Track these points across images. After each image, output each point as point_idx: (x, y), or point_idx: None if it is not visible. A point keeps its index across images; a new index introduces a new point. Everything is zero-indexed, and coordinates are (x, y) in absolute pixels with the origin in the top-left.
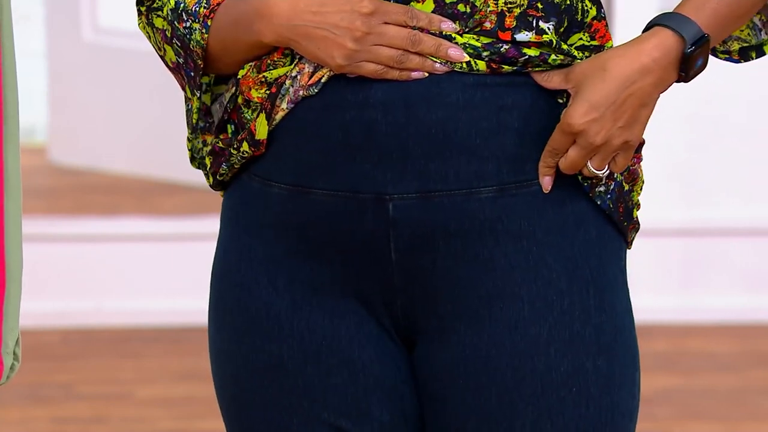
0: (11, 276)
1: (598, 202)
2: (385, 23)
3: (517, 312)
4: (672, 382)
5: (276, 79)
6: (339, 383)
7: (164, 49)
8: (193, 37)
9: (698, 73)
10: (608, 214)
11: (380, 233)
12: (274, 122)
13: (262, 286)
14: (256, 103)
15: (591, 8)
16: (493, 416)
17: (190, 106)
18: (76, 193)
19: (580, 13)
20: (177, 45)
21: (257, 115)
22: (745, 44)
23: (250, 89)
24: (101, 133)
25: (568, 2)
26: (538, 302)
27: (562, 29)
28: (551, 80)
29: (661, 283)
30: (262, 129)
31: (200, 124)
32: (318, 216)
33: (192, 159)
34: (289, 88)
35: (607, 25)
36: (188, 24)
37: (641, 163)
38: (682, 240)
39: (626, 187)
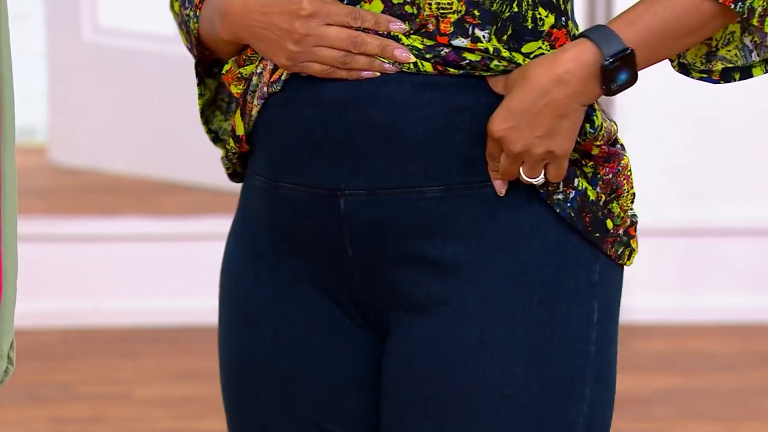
0: (7, 278)
1: (557, 210)
2: (328, 24)
3: (458, 312)
4: (672, 382)
5: (249, 75)
6: (311, 377)
7: (181, 33)
8: (190, 25)
9: (624, 88)
10: (570, 222)
11: (336, 229)
12: (252, 118)
13: (249, 277)
14: (236, 98)
15: (547, 16)
16: (426, 412)
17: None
18: (76, 193)
19: (530, 21)
20: (184, 30)
21: (236, 111)
22: (730, 65)
23: (230, 84)
24: (101, 133)
25: (516, 9)
26: (478, 304)
27: (506, 36)
28: (498, 84)
29: (661, 283)
30: (239, 125)
31: (215, 110)
32: (286, 210)
33: (215, 141)
34: (257, 84)
35: (568, 33)
36: (188, 11)
37: (625, 174)
38: (682, 240)
39: (598, 198)
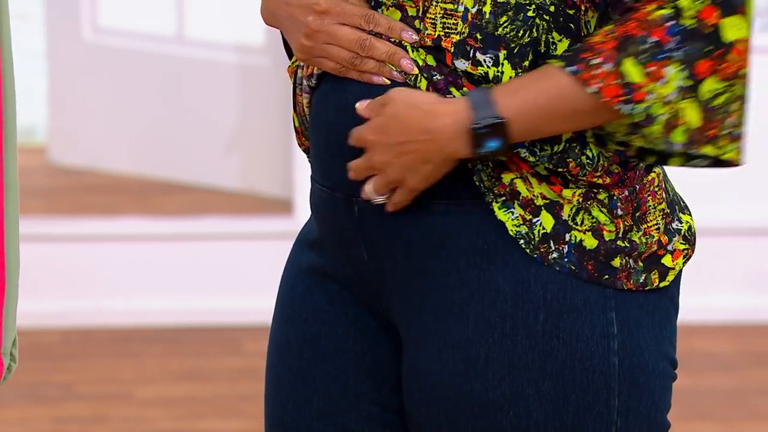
0: (10, 276)
1: (557, 269)
2: (341, 24)
3: (462, 330)
4: None
5: (295, 68)
6: (331, 370)
7: None
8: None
9: (495, 155)
10: (574, 276)
11: (353, 234)
12: (305, 112)
13: (293, 268)
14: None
15: (561, 41)
16: (441, 430)
17: None
18: (76, 193)
19: (543, 45)
20: None
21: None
22: (649, 146)
23: (290, 77)
24: (101, 133)
25: (535, 35)
26: (481, 322)
27: (527, 63)
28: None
29: None
30: (294, 117)
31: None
32: (318, 209)
33: None
34: (301, 77)
35: None
36: None
37: (650, 190)
38: None
39: (616, 229)
